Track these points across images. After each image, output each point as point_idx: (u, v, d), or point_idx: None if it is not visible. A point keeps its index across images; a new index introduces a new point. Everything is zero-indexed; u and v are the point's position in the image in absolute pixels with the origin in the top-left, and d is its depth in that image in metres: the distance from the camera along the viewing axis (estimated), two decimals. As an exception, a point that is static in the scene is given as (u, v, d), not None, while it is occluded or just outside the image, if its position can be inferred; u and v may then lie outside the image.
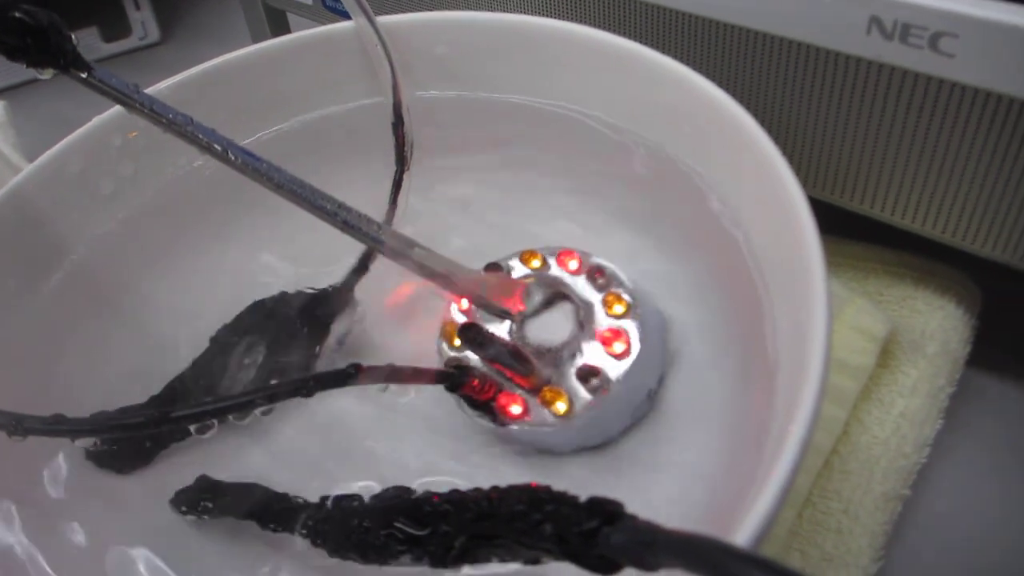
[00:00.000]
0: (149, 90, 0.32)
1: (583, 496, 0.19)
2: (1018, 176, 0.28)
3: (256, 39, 0.53)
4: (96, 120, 0.33)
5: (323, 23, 0.36)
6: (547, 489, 0.20)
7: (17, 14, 0.22)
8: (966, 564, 0.30)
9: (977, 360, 0.34)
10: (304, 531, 0.25)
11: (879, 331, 0.32)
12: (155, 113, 0.25)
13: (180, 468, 0.30)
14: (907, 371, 0.33)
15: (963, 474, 0.32)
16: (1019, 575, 0.30)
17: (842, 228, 0.36)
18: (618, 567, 0.19)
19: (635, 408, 0.29)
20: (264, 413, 0.31)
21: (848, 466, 0.31)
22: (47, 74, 0.23)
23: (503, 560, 0.22)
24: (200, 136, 0.25)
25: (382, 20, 0.34)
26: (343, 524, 0.24)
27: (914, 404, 0.32)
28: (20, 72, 0.61)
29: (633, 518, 0.19)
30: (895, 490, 0.30)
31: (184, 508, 0.29)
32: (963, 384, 0.33)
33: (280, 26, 0.52)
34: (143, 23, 0.65)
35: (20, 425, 0.23)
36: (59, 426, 0.24)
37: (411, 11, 0.35)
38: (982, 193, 0.29)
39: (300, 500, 0.27)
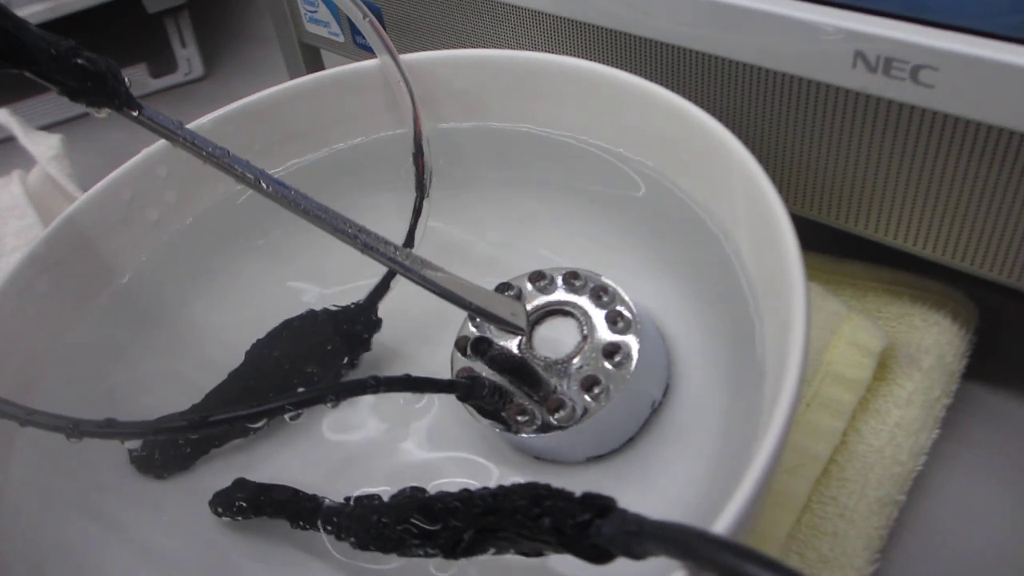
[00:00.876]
0: (192, 124, 0.34)
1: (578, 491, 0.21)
2: (1003, 198, 0.29)
3: (292, 74, 0.55)
4: (144, 152, 0.35)
5: (354, 59, 0.38)
6: (546, 486, 0.22)
7: (79, 61, 0.24)
8: (961, 567, 0.31)
9: (977, 374, 0.35)
10: (330, 527, 0.27)
11: (875, 346, 0.33)
12: (196, 146, 0.27)
13: (218, 473, 0.32)
14: (903, 383, 0.34)
15: (960, 482, 0.33)
16: None
17: (842, 248, 0.38)
18: (610, 556, 0.20)
19: (639, 417, 0.30)
20: (293, 419, 0.33)
21: (845, 473, 0.32)
22: (103, 113, 0.26)
23: (507, 551, 0.23)
24: (235, 167, 0.27)
25: (405, 57, 0.36)
26: (364, 520, 0.26)
27: (909, 415, 0.33)
28: (74, 107, 0.65)
29: (623, 511, 0.20)
30: (890, 496, 0.31)
31: (220, 509, 0.30)
32: (962, 397, 0.34)
33: (314, 61, 0.54)
34: (188, 60, 0.68)
35: (77, 428, 0.25)
36: (111, 429, 0.25)
37: (432, 49, 0.36)
38: (970, 215, 0.30)
39: (326, 500, 0.29)
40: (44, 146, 0.51)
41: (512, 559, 0.23)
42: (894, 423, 0.33)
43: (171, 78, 0.68)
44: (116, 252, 0.35)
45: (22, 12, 0.52)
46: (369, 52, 0.37)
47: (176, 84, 0.68)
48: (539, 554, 0.23)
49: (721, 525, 0.20)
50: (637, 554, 0.19)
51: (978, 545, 0.31)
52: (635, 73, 0.32)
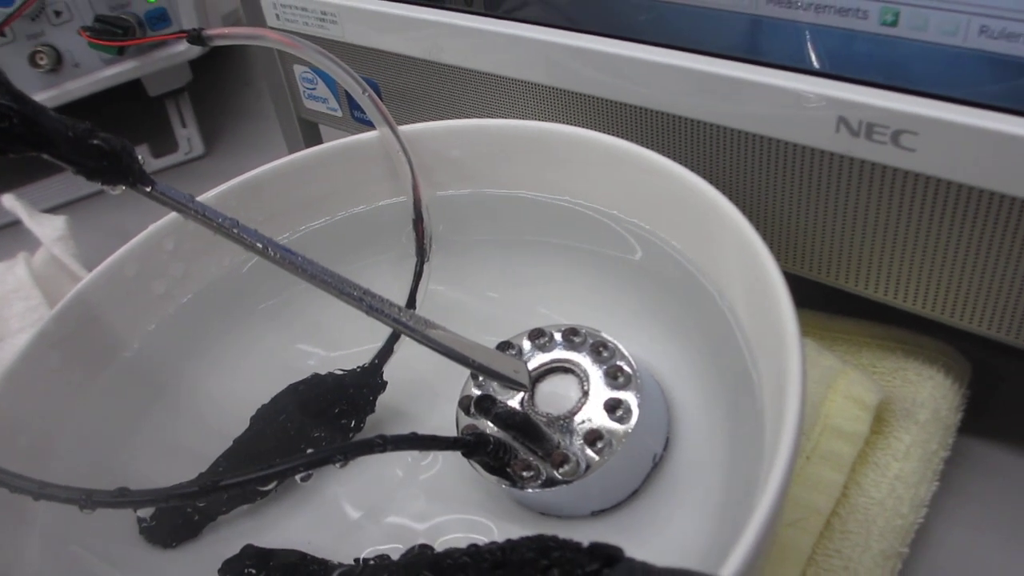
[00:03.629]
0: (198, 199, 0.35)
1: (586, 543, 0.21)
2: (988, 256, 0.30)
3: (291, 148, 0.56)
4: (151, 228, 0.36)
5: (352, 132, 0.39)
6: (553, 537, 0.22)
7: (95, 141, 0.25)
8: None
9: (972, 428, 0.35)
10: (340, 590, 0.28)
11: (871, 399, 0.34)
12: (207, 218, 0.28)
13: (226, 540, 0.32)
14: (900, 436, 0.34)
15: (961, 534, 0.33)
16: None
17: (836, 305, 0.38)
18: (619, 605, 0.20)
19: (641, 471, 0.31)
20: (304, 479, 0.33)
21: (847, 526, 0.32)
22: (118, 191, 0.27)
23: (517, 605, 0.23)
24: (245, 236, 0.28)
25: (403, 129, 0.37)
26: (374, 580, 0.26)
27: (908, 467, 0.33)
28: (78, 188, 0.66)
29: (630, 560, 0.20)
30: (893, 548, 0.31)
31: (230, 576, 0.31)
32: (958, 450, 0.34)
33: (313, 136, 0.55)
34: (189, 139, 0.69)
35: (90, 499, 0.25)
36: (124, 498, 0.25)
37: (428, 119, 0.37)
38: (957, 272, 0.31)
39: (336, 562, 0.29)
40: (49, 228, 0.52)
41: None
42: (893, 475, 0.33)
43: (172, 157, 0.69)
44: (123, 326, 0.35)
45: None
46: (366, 125, 0.38)
47: (177, 163, 0.69)
48: (548, 606, 0.23)
49: (725, 573, 0.20)
50: (646, 601, 0.19)
51: (981, 596, 0.31)
52: (629, 139, 0.33)
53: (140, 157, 0.27)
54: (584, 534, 0.29)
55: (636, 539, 0.30)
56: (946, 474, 0.34)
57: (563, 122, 0.35)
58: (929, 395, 0.35)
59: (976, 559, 0.33)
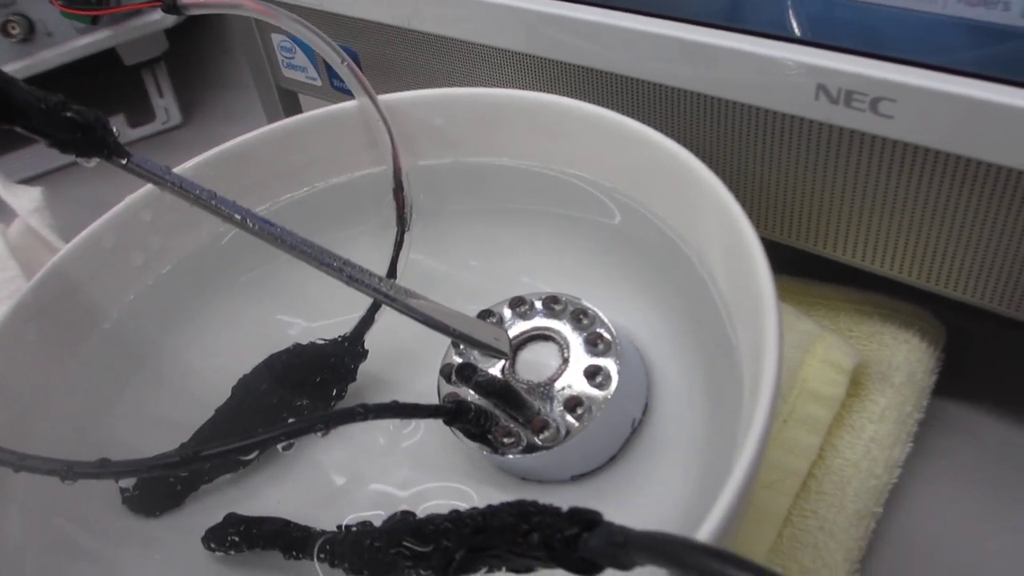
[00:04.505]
0: (176, 170, 0.35)
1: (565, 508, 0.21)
2: (963, 221, 0.30)
3: (270, 118, 0.56)
4: (128, 199, 0.35)
5: (331, 102, 0.39)
6: (533, 503, 0.22)
7: (68, 114, 0.25)
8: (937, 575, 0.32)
9: (945, 390, 0.36)
10: (323, 555, 0.28)
11: (848, 363, 0.34)
12: (184, 190, 0.28)
13: (208, 508, 0.32)
14: (876, 399, 0.35)
15: (933, 493, 0.34)
16: None
17: (815, 271, 0.39)
18: (599, 568, 0.21)
19: (621, 437, 0.31)
20: (286, 448, 0.33)
21: (823, 487, 0.32)
22: (93, 163, 0.26)
23: (498, 569, 0.24)
24: (223, 208, 0.28)
25: (383, 98, 0.37)
26: (357, 546, 0.26)
27: (883, 429, 0.34)
28: (53, 158, 0.65)
29: (609, 524, 0.21)
30: (867, 508, 0.32)
31: (213, 545, 0.31)
32: (932, 412, 0.35)
33: (292, 106, 0.55)
34: (166, 109, 0.69)
35: (71, 470, 0.25)
36: (105, 469, 0.25)
37: (407, 89, 0.37)
38: (933, 237, 0.31)
39: (318, 529, 0.29)
40: (25, 199, 0.51)
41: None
42: (868, 438, 0.34)
43: (149, 127, 0.68)
44: (102, 297, 0.35)
45: (2, 66, 0.53)
46: (346, 94, 0.38)
47: (154, 133, 0.68)
48: (529, 570, 0.23)
49: (702, 535, 0.20)
50: (625, 564, 0.20)
51: (952, 553, 0.32)
52: (609, 107, 0.33)
53: (116, 129, 0.27)
54: (564, 499, 0.30)
55: (615, 503, 0.30)
56: (920, 436, 0.34)
57: (543, 91, 0.36)
58: (905, 359, 0.36)
59: (947, 518, 0.33)
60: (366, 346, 0.35)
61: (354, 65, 0.38)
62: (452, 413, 0.29)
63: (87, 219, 0.35)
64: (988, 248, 0.30)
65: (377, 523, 0.27)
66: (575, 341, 0.32)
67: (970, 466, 0.35)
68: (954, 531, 0.33)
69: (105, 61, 0.63)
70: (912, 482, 0.34)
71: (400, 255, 0.35)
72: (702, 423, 0.30)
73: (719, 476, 0.26)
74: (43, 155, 0.65)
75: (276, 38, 0.49)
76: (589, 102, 0.34)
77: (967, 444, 0.35)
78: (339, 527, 0.28)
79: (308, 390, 0.34)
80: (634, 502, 0.30)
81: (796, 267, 0.39)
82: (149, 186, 0.34)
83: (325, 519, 0.29)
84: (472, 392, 0.31)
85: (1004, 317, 0.32)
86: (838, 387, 0.34)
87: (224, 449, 0.26)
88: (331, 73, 0.48)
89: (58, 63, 0.60)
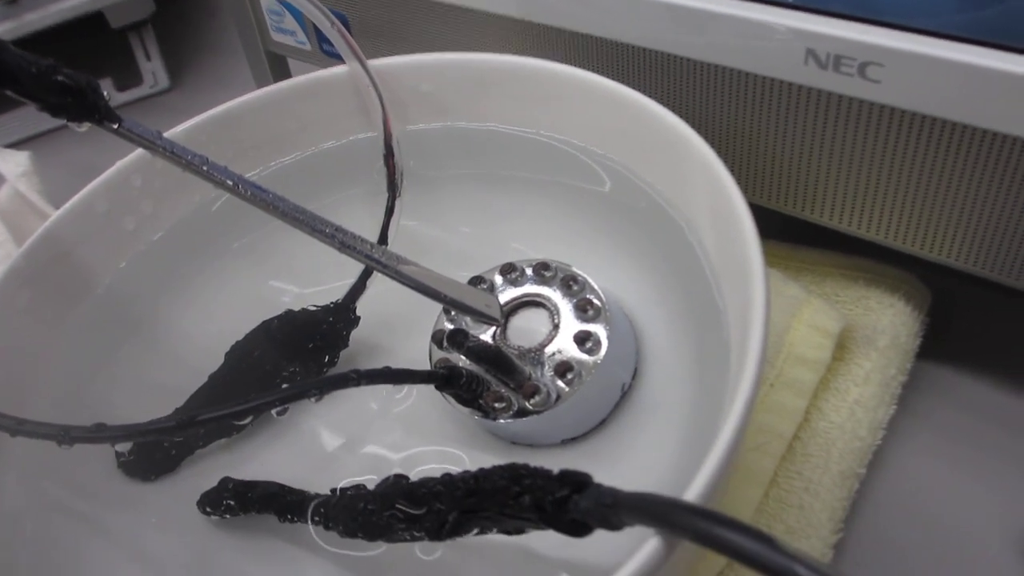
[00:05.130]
0: (167, 134, 0.35)
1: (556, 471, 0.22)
2: (949, 186, 0.30)
3: (259, 83, 0.55)
4: (119, 164, 0.35)
5: (321, 66, 0.39)
6: (524, 466, 0.23)
7: (59, 78, 0.25)
8: (918, 535, 0.32)
9: (929, 353, 0.36)
10: (317, 518, 0.28)
11: (834, 328, 0.35)
12: (176, 155, 0.28)
13: (203, 473, 0.33)
14: (861, 363, 0.35)
15: (915, 454, 0.34)
16: (965, 544, 0.32)
17: (802, 237, 0.39)
18: (588, 529, 0.21)
19: (610, 401, 0.32)
20: (280, 414, 0.34)
21: (808, 449, 0.33)
22: (84, 128, 0.26)
23: (490, 530, 0.24)
24: (215, 174, 0.28)
25: (374, 63, 0.37)
26: (351, 509, 0.27)
27: (868, 392, 0.34)
28: (40, 122, 0.65)
29: (598, 486, 0.21)
30: (851, 469, 0.32)
31: (209, 509, 0.31)
32: (916, 374, 0.36)
33: (281, 70, 0.54)
34: (153, 72, 0.68)
35: (68, 434, 0.26)
36: (101, 433, 0.26)
37: (397, 53, 0.37)
38: (919, 202, 0.32)
39: (312, 493, 0.29)
40: (12, 164, 0.51)
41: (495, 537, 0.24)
42: (853, 400, 0.34)
43: (136, 91, 0.68)
44: (94, 263, 0.35)
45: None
46: (336, 59, 0.38)
47: (142, 97, 0.68)
48: (520, 531, 0.23)
49: (689, 496, 0.21)
50: (614, 525, 0.20)
51: (934, 512, 0.33)
52: (600, 73, 0.33)
53: (106, 93, 0.27)
54: (554, 462, 0.30)
55: (604, 466, 0.30)
56: (903, 398, 0.35)
57: (534, 56, 0.35)
58: (890, 322, 0.36)
59: (929, 478, 0.34)
60: (358, 312, 0.35)
61: (344, 29, 0.37)
62: (444, 379, 0.30)
63: (75, 184, 0.35)
64: (973, 213, 0.31)
65: (370, 487, 0.27)
66: (565, 307, 0.32)
67: (952, 426, 0.35)
68: (935, 490, 0.33)
69: (92, 24, 0.63)
70: (895, 443, 0.34)
71: (391, 221, 0.35)
72: (690, 387, 0.31)
73: (707, 439, 0.26)
74: (29, 119, 0.64)
75: (264, 1, 0.49)
76: (580, 68, 0.34)
77: (949, 405, 0.36)
78: (333, 490, 0.29)
79: (301, 356, 0.34)
80: (623, 465, 0.30)
81: (784, 232, 0.39)
82: (140, 151, 0.34)
83: (319, 483, 0.30)
84: (464, 358, 0.31)
85: (988, 280, 0.32)
86: (824, 351, 0.35)
87: (220, 414, 0.26)
88: (320, 37, 0.47)
89: (44, 25, 0.59)
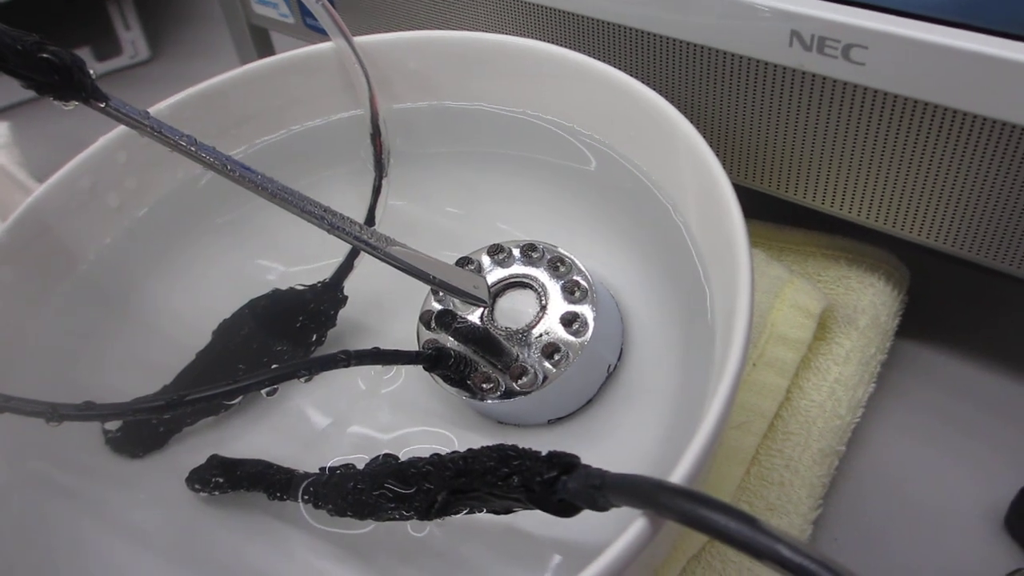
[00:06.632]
0: (151, 110, 0.34)
1: (544, 452, 0.22)
2: (930, 168, 0.31)
3: (241, 55, 0.55)
4: (103, 139, 0.35)
5: (305, 40, 0.39)
6: (513, 447, 0.23)
7: (45, 55, 0.25)
8: (896, 510, 0.33)
9: (908, 331, 0.37)
10: (306, 497, 0.29)
11: (815, 307, 0.35)
12: (162, 135, 0.28)
13: (191, 450, 0.33)
14: (841, 342, 0.36)
15: (894, 432, 0.35)
16: (941, 519, 0.33)
17: (785, 217, 0.39)
18: (576, 509, 0.21)
19: (596, 381, 0.32)
20: (270, 394, 0.34)
21: (789, 427, 0.33)
22: (71, 106, 0.26)
23: (479, 510, 0.24)
24: (202, 154, 0.28)
25: (359, 40, 0.36)
26: (340, 488, 0.27)
27: (847, 371, 0.35)
28: (17, 94, 0.64)
29: (586, 467, 0.21)
30: (831, 447, 0.33)
31: (198, 486, 0.31)
32: (895, 353, 0.36)
33: (263, 42, 0.54)
34: (133, 43, 0.67)
35: (56, 412, 0.26)
36: (89, 411, 0.26)
37: (383, 30, 0.37)
38: (900, 183, 0.32)
39: (301, 471, 0.30)
40: (-9, 136, 0.51)
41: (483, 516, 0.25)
42: (833, 379, 0.35)
43: (116, 61, 0.67)
44: (78, 239, 0.35)
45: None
46: (319, 33, 0.38)
47: (122, 67, 0.67)
48: (508, 511, 0.24)
49: (675, 477, 0.21)
50: (601, 506, 0.20)
51: (911, 489, 0.34)
52: (588, 53, 0.33)
53: (93, 72, 0.27)
54: (542, 442, 0.31)
55: (591, 446, 0.31)
56: (882, 376, 0.35)
57: (522, 35, 0.35)
58: (870, 302, 0.37)
59: (907, 455, 0.35)
60: (345, 292, 0.35)
61: (329, 5, 0.37)
62: (432, 359, 0.30)
63: (56, 155, 0.35)
64: (953, 194, 0.31)
65: (360, 466, 0.28)
66: (552, 288, 0.32)
67: (929, 404, 0.36)
68: (913, 467, 0.34)
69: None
70: (874, 421, 0.35)
71: (379, 201, 0.35)
72: (675, 368, 0.31)
73: (691, 419, 0.27)
74: (4, 89, 0.63)
75: (247, -28, 0.48)
76: (566, 48, 0.34)
77: (927, 384, 0.37)
78: (322, 469, 0.29)
79: (288, 335, 0.34)
80: (609, 445, 0.31)
81: (768, 213, 0.39)
82: (123, 126, 0.34)
83: (307, 461, 0.30)
84: (451, 339, 0.31)
85: (966, 260, 0.33)
86: (806, 331, 0.35)
87: (210, 393, 0.26)
88: (303, 11, 0.47)
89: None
